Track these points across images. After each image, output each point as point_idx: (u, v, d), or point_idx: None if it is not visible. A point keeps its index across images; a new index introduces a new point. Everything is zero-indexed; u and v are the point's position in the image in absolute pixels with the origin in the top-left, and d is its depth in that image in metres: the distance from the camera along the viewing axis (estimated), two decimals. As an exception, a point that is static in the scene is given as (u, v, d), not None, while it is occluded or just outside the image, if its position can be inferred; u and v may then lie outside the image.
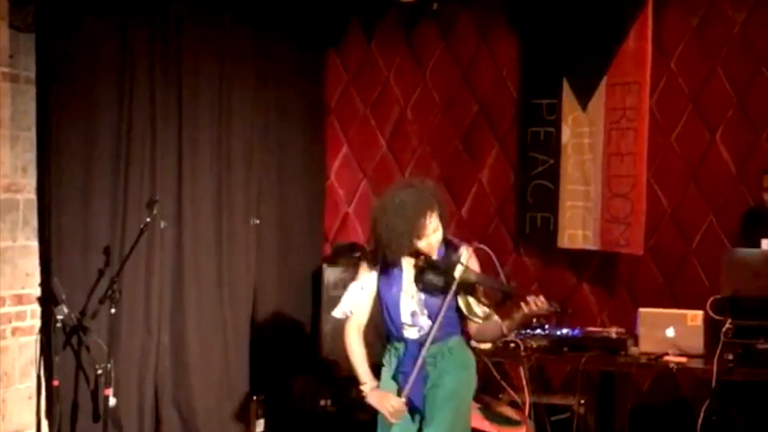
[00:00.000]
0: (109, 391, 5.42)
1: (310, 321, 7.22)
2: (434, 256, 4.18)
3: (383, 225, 4.10)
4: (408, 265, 4.21)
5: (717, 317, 5.33)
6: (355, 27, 7.53)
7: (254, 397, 6.66)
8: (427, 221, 4.08)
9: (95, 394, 5.60)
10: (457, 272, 4.05)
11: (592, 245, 6.69)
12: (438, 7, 6.99)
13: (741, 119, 6.49)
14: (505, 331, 4.14)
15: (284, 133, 7.11)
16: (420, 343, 4.15)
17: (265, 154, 6.91)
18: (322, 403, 6.73)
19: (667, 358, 5.39)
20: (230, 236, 6.55)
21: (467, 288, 4.09)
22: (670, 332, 5.46)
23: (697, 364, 5.34)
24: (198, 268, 6.33)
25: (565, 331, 5.77)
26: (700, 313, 5.45)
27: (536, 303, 3.99)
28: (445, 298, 4.07)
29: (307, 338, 7.19)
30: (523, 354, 5.54)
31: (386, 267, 4.22)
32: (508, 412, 5.77)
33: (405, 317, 4.20)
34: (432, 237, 4.13)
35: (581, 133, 6.73)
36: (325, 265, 7.10)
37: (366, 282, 4.28)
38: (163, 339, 6.11)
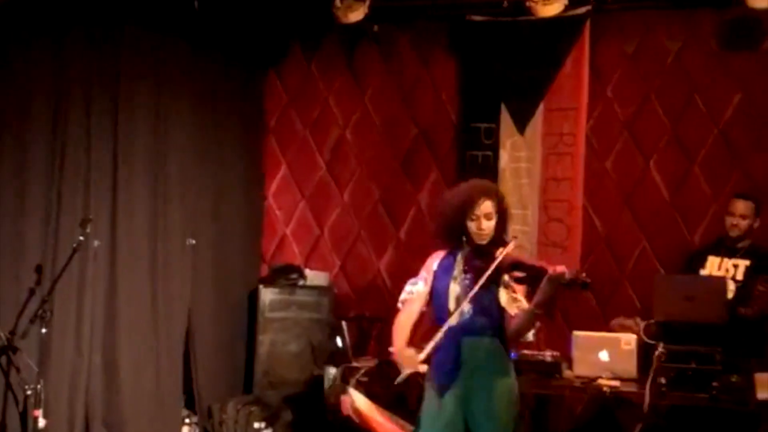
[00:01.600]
0: (39, 413, 5.30)
1: (245, 342, 7.16)
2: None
3: (444, 203, 4.38)
4: (462, 255, 4.31)
5: (650, 341, 5.40)
6: (296, 48, 7.51)
7: (187, 420, 6.58)
8: (479, 202, 4.22)
9: (24, 416, 5.44)
10: (497, 253, 4.15)
11: (528, 269, 6.73)
12: (379, 29, 7.00)
13: (675, 147, 6.60)
14: (534, 309, 4.12)
15: (222, 153, 7.06)
16: (457, 328, 4.17)
17: (202, 174, 6.84)
18: (256, 425, 6.66)
19: (600, 381, 5.43)
20: (165, 256, 6.47)
21: (506, 271, 4.15)
22: (603, 356, 5.51)
23: (630, 387, 5.39)
24: (132, 288, 6.24)
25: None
26: (633, 337, 5.51)
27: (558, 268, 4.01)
28: (482, 279, 4.12)
29: (243, 360, 7.14)
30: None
31: (445, 259, 4.34)
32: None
33: (451, 303, 4.25)
34: (483, 221, 4.22)
35: (519, 157, 6.80)
36: (261, 286, 7.06)
37: (422, 277, 4.39)
38: (95, 359, 6.01)
